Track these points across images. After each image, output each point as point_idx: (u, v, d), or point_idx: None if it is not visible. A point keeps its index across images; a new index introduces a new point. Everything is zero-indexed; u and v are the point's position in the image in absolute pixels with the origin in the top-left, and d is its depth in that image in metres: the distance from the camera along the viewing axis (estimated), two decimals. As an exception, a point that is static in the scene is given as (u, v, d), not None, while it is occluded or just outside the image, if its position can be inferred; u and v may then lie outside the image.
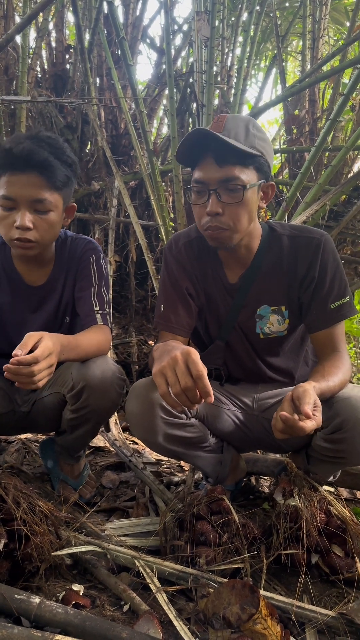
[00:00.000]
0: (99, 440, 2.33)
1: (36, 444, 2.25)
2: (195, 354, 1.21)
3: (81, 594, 1.23)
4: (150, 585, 1.25)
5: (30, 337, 1.27)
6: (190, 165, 1.49)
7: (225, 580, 1.24)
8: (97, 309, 1.66)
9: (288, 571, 1.37)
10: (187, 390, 1.18)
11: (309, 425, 1.21)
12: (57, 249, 1.71)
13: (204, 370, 1.19)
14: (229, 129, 1.40)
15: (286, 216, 2.62)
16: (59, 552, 1.25)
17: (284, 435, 1.28)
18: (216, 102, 3.88)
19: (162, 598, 1.20)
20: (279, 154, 4.10)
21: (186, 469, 2.19)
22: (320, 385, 1.37)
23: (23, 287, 1.69)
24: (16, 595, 1.12)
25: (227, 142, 1.35)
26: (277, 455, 2.08)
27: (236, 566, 1.31)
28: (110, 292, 3.37)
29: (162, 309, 1.65)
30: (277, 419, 1.26)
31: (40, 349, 1.25)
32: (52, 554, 1.23)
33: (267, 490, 1.99)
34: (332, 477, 1.61)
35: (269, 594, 1.23)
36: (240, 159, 1.39)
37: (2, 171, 1.47)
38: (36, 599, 1.11)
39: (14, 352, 1.22)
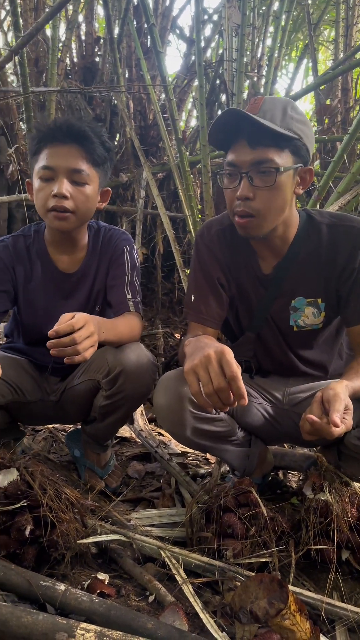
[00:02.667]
0: (124, 431, 2.32)
1: (63, 432, 2.26)
2: (229, 353, 1.17)
3: (106, 583, 1.22)
4: (176, 576, 1.23)
5: (65, 316, 1.28)
6: (224, 149, 1.44)
7: (253, 574, 1.22)
8: (129, 296, 1.66)
9: (317, 567, 1.33)
10: (219, 392, 1.14)
11: (338, 430, 1.18)
12: (90, 238, 1.72)
13: (238, 371, 1.14)
14: (265, 110, 1.34)
15: (318, 205, 2.56)
16: (84, 540, 1.25)
17: (312, 437, 1.25)
18: (245, 93, 3.82)
19: (188, 590, 1.18)
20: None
21: (212, 461, 2.17)
22: (353, 383, 1.32)
23: (56, 274, 1.70)
24: (42, 582, 1.11)
25: (260, 123, 1.30)
26: (306, 450, 2.04)
27: (264, 560, 1.28)
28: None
29: (192, 299, 1.61)
30: (305, 421, 1.23)
31: (75, 319, 1.26)
32: (78, 542, 1.23)
33: (294, 484, 1.95)
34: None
35: (297, 590, 1.20)
36: (274, 141, 1.33)
37: (43, 144, 1.52)
38: (61, 586, 1.10)
39: (50, 332, 1.23)
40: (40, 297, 1.70)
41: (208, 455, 2.22)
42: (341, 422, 1.19)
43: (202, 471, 1.99)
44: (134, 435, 2.31)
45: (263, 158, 1.34)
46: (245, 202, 1.38)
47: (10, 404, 1.63)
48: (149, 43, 4.06)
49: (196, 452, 2.23)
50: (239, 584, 1.18)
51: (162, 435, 2.37)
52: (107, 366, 1.56)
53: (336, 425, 1.17)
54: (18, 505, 1.17)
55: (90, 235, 1.73)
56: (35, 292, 1.70)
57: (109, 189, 1.68)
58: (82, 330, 1.26)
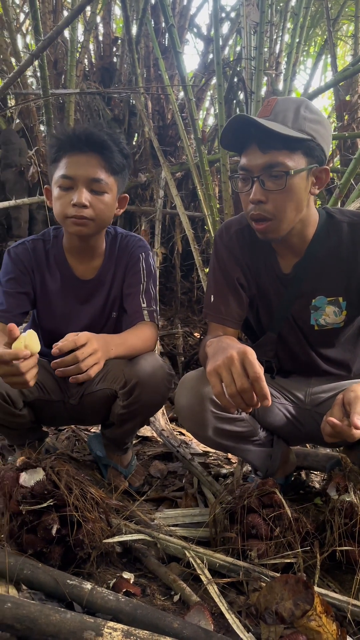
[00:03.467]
0: (146, 430, 2.34)
1: (86, 432, 2.28)
2: (252, 354, 1.17)
3: (131, 583, 1.23)
4: (201, 576, 1.23)
5: (69, 335, 1.31)
6: (238, 151, 1.45)
7: (277, 574, 1.22)
8: (144, 305, 1.68)
9: (343, 568, 1.32)
10: (243, 392, 1.14)
11: (359, 433, 1.17)
12: (107, 244, 1.74)
13: (261, 371, 1.15)
14: (277, 112, 1.35)
15: (339, 203, 2.54)
16: (110, 540, 1.26)
17: (333, 439, 1.24)
18: (264, 90, 3.80)
19: (213, 590, 1.19)
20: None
21: (234, 461, 2.17)
22: None
23: (73, 280, 1.72)
24: (69, 581, 1.13)
25: (268, 129, 1.29)
26: (329, 450, 2.02)
27: (288, 561, 1.28)
28: (157, 284, 3.38)
29: (211, 299, 1.61)
30: (326, 424, 1.22)
31: (77, 337, 1.29)
32: (104, 541, 1.24)
33: (317, 485, 1.94)
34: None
35: (323, 591, 1.20)
36: (285, 143, 1.33)
37: (63, 153, 1.54)
38: (88, 585, 1.11)
39: (53, 350, 1.27)
40: (58, 302, 1.73)
41: (230, 455, 2.22)
42: None
43: (224, 471, 1.99)
44: (155, 435, 2.32)
45: (274, 162, 1.34)
46: (259, 206, 1.39)
47: (35, 402, 1.66)
48: (166, 42, 4.06)
49: (218, 451, 2.23)
50: (264, 584, 1.17)
51: (184, 434, 2.38)
52: (123, 378, 1.58)
53: (357, 428, 1.17)
54: (45, 504, 1.19)
55: (107, 242, 1.75)
56: (53, 297, 1.73)
57: (127, 195, 1.70)
58: (84, 347, 1.28)
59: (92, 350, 1.30)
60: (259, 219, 1.40)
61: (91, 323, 1.75)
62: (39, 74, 2.61)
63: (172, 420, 2.50)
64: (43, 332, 1.78)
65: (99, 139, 1.53)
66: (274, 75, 3.79)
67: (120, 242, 1.76)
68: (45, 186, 1.68)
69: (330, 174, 3.73)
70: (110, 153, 1.54)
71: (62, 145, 1.54)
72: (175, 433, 2.30)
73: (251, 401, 1.15)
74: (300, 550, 1.28)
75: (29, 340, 1.25)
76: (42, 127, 3.73)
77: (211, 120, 4.93)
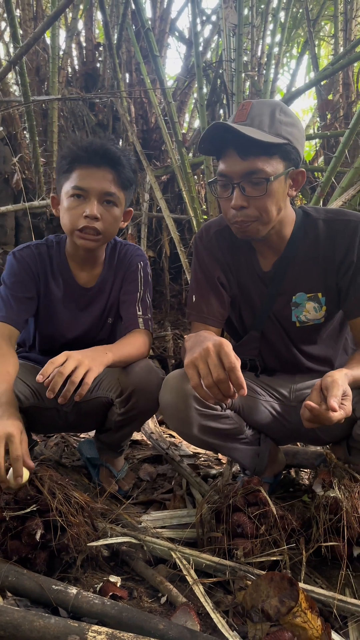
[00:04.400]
0: (135, 434, 2.33)
1: (75, 438, 2.27)
2: (227, 345, 1.18)
3: (118, 586, 1.23)
4: (187, 577, 1.23)
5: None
6: (217, 156, 1.46)
7: (264, 572, 1.22)
8: (140, 313, 1.71)
9: (329, 564, 1.33)
10: (219, 383, 1.16)
11: (336, 415, 1.19)
12: (107, 253, 1.77)
13: (237, 361, 1.16)
14: (252, 116, 1.35)
15: (321, 202, 2.55)
16: (95, 543, 1.25)
17: (312, 424, 1.26)
18: (247, 92, 3.82)
19: (199, 590, 1.19)
20: (313, 140, 4.01)
21: (224, 461, 2.17)
22: (353, 372, 1.33)
23: (75, 287, 1.75)
24: (54, 586, 1.12)
25: (247, 136, 1.30)
26: (318, 448, 2.03)
27: (274, 558, 1.28)
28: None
29: (193, 299, 1.63)
30: (305, 408, 1.24)
31: (54, 358, 1.31)
32: (88, 544, 1.23)
33: (307, 482, 1.94)
34: (375, 469, 1.56)
35: (309, 587, 1.20)
36: (263, 149, 1.34)
37: (76, 164, 1.57)
38: (73, 590, 1.11)
39: (37, 378, 1.28)
40: (59, 308, 1.75)
41: (220, 456, 2.22)
42: (339, 407, 1.20)
43: (213, 471, 2.00)
44: (144, 438, 2.32)
45: (253, 168, 1.35)
46: (240, 211, 1.40)
47: (30, 409, 1.66)
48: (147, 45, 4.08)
49: (208, 452, 2.23)
50: (250, 583, 1.18)
51: (173, 436, 2.37)
52: (118, 386, 1.60)
53: (334, 410, 1.19)
54: (28, 510, 1.18)
55: (107, 251, 1.77)
56: (55, 303, 1.74)
57: (131, 209, 1.74)
58: (66, 363, 1.30)
59: (75, 362, 1.31)
60: (243, 223, 1.42)
61: (88, 329, 1.77)
62: (19, 81, 2.60)
63: (161, 423, 2.50)
64: (40, 337, 1.79)
65: (115, 155, 1.57)
66: (255, 77, 3.81)
67: (120, 250, 1.79)
68: (51, 194, 1.70)
69: (315, 173, 3.75)
70: (123, 168, 1.59)
71: (76, 157, 1.56)
72: (164, 435, 2.30)
73: (228, 391, 1.16)
74: (286, 547, 1.28)
75: (25, 478, 1.25)
76: (25, 134, 3.72)
77: (197, 123, 4.96)
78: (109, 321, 1.80)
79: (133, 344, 1.61)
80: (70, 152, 1.58)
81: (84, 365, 1.32)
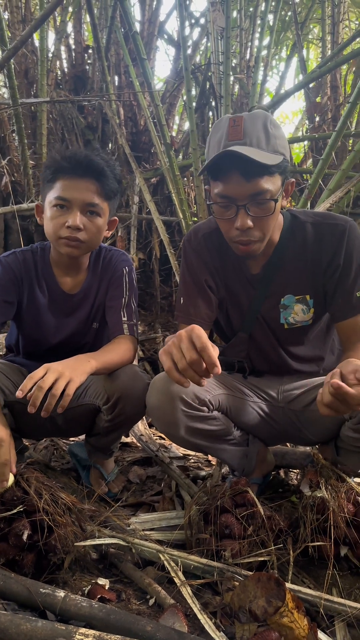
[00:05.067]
0: (125, 436, 2.33)
1: (65, 441, 2.27)
2: (199, 329, 1.18)
3: (107, 588, 1.23)
4: (174, 578, 1.23)
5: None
6: (214, 176, 1.42)
7: (252, 573, 1.22)
8: (125, 319, 1.71)
9: (316, 564, 1.33)
10: (192, 365, 1.15)
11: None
12: (92, 259, 1.78)
13: (207, 342, 1.16)
14: (249, 134, 1.34)
15: (309, 204, 2.57)
16: (82, 543, 1.25)
17: (330, 411, 1.19)
18: (235, 95, 3.83)
19: (187, 591, 1.19)
20: (302, 143, 4.03)
21: (214, 463, 2.17)
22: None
23: (60, 293, 1.75)
24: (41, 589, 1.12)
25: (256, 161, 1.29)
26: (307, 448, 2.04)
27: (262, 559, 1.29)
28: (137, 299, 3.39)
29: (182, 301, 1.64)
30: (325, 392, 1.18)
31: (32, 373, 1.30)
32: (75, 544, 1.23)
33: (296, 483, 1.95)
34: (362, 469, 1.57)
35: (296, 587, 1.21)
36: (266, 169, 1.34)
37: (59, 175, 1.56)
38: (61, 593, 1.11)
39: (17, 394, 1.26)
40: (45, 313, 1.75)
41: (210, 457, 2.23)
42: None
43: (202, 473, 2.00)
44: (134, 440, 2.32)
45: (258, 190, 1.35)
46: (246, 232, 1.40)
47: (16, 405, 1.66)
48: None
49: (198, 454, 2.24)
50: (238, 584, 1.18)
51: (163, 439, 2.38)
52: (105, 393, 1.61)
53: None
54: (15, 511, 1.18)
55: (92, 257, 1.78)
56: (41, 308, 1.75)
57: (116, 218, 1.74)
58: (45, 377, 1.29)
59: (55, 375, 1.30)
60: (247, 243, 1.43)
61: (73, 334, 1.78)
62: (7, 83, 2.60)
63: (151, 425, 2.50)
64: (26, 340, 1.80)
65: (99, 166, 1.56)
66: (244, 79, 3.82)
67: (105, 256, 1.80)
68: (36, 203, 1.70)
69: (304, 176, 3.76)
70: (106, 180, 1.59)
71: (59, 168, 1.56)
72: (154, 438, 2.30)
73: (201, 371, 1.15)
74: (273, 547, 1.29)
75: (10, 482, 1.25)
76: (14, 137, 3.72)
77: (187, 125, 4.97)
78: (94, 326, 1.81)
79: (117, 351, 1.61)
80: (54, 162, 1.57)
81: (64, 376, 1.31)
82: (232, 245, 1.48)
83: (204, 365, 1.15)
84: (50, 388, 1.27)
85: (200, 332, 1.17)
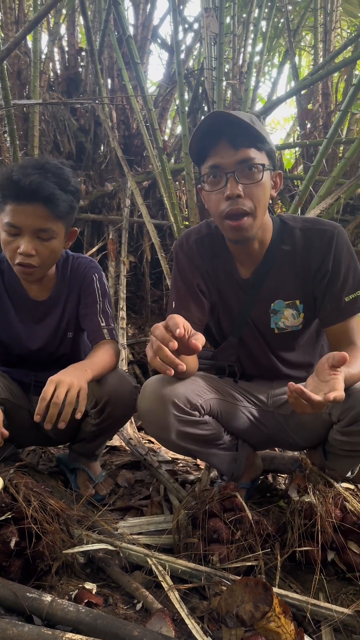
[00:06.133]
0: (114, 440, 2.33)
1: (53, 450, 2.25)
2: (176, 316, 1.20)
3: (94, 593, 1.22)
4: (162, 583, 1.23)
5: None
6: (199, 162, 1.48)
7: (239, 578, 1.22)
8: (103, 324, 1.73)
9: (303, 569, 1.34)
10: (163, 341, 1.16)
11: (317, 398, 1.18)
12: (59, 267, 1.77)
13: (182, 321, 1.17)
14: (235, 114, 1.38)
15: (299, 210, 2.59)
16: (70, 550, 1.25)
17: (301, 410, 1.23)
18: (228, 100, 3.85)
19: (174, 596, 1.19)
20: (293, 149, 4.05)
21: (202, 467, 2.17)
22: (349, 368, 1.32)
23: (27, 300, 1.76)
24: (28, 594, 1.11)
25: (245, 122, 1.34)
26: (295, 453, 2.05)
27: (250, 564, 1.29)
28: (125, 292, 3.39)
29: (173, 305, 1.64)
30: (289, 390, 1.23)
31: (43, 393, 1.34)
32: (64, 552, 1.23)
33: (284, 487, 1.96)
34: (350, 473, 1.58)
35: (283, 592, 1.21)
36: (253, 142, 1.39)
37: (9, 199, 1.51)
38: (48, 597, 1.10)
39: (35, 418, 1.33)
40: (14, 321, 1.77)
41: (198, 461, 2.23)
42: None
43: (191, 477, 2.00)
44: (123, 444, 2.31)
45: (246, 157, 1.39)
46: (236, 201, 1.40)
47: (5, 403, 1.68)
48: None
49: (186, 458, 2.24)
50: (225, 588, 1.18)
51: (152, 442, 2.37)
52: (93, 397, 1.62)
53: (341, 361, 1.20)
54: (2, 517, 1.17)
55: (59, 264, 1.77)
56: (10, 316, 1.76)
57: (76, 229, 1.71)
58: (56, 391, 1.34)
59: (66, 386, 1.36)
60: (238, 213, 1.41)
61: (46, 342, 1.79)
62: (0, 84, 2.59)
63: (140, 429, 2.49)
64: (1, 347, 1.81)
65: (47, 191, 1.49)
66: (237, 85, 3.84)
67: (72, 263, 1.79)
68: None
69: (295, 182, 3.79)
70: (57, 203, 1.52)
71: (7, 194, 1.50)
72: (143, 441, 2.29)
73: (167, 343, 1.15)
74: (261, 552, 1.29)
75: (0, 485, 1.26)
76: (6, 137, 3.70)
77: (179, 129, 4.98)
78: (69, 335, 1.81)
79: (104, 357, 1.63)
80: (2, 185, 1.51)
81: (74, 386, 1.37)
82: (224, 224, 1.46)
83: (175, 343, 1.15)
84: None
85: (177, 319, 1.18)
